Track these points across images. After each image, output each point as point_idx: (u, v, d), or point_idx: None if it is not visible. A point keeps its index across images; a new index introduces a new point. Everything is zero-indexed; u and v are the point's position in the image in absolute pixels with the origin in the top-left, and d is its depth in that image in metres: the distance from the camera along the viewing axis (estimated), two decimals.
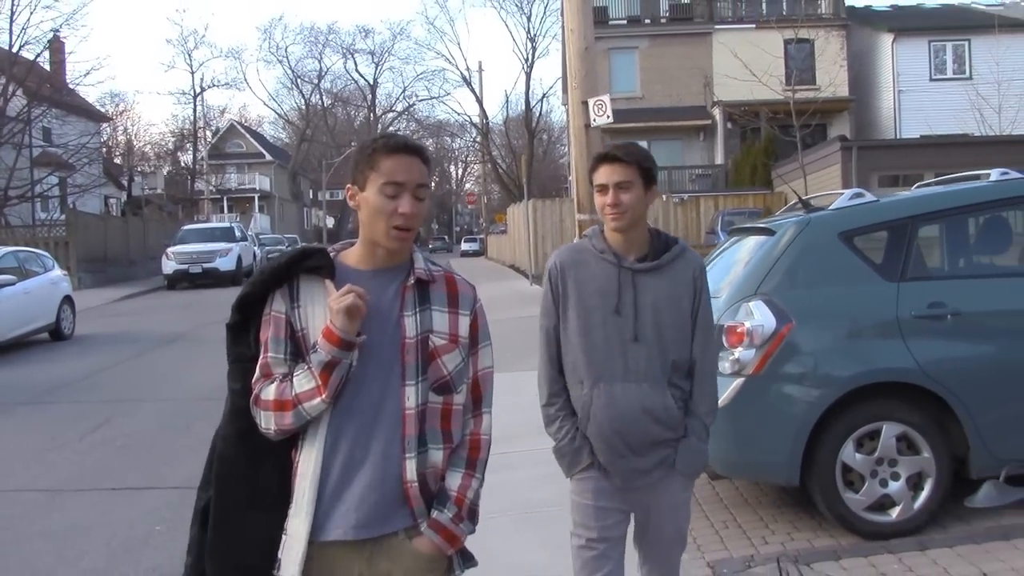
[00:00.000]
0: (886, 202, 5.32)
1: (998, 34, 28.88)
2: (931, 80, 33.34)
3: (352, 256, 2.45)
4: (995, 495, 4.46)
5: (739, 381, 4.85)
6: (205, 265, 27.89)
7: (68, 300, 16.39)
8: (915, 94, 32.98)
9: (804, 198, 5.50)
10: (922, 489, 4.88)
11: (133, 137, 53.22)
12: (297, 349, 2.37)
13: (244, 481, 2.40)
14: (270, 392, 2.34)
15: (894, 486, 4.87)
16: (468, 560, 2.50)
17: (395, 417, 2.34)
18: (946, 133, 28.20)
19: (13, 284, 14.42)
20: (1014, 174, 5.25)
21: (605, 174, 3.09)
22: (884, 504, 4.89)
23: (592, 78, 12.18)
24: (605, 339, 3.08)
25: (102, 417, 9.45)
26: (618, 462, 3.10)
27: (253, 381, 2.39)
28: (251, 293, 2.41)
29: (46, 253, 17.31)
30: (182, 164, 56.82)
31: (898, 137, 31.67)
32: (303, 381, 2.31)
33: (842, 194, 5.31)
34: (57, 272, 16.52)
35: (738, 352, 4.87)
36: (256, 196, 63.77)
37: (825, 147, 24.45)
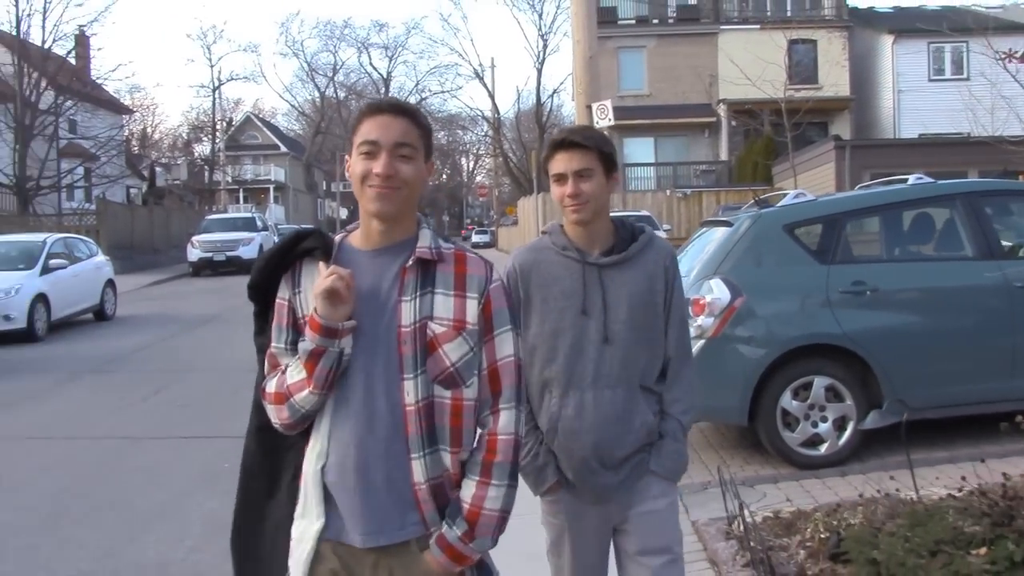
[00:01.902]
0: (822, 201, 6.60)
1: (991, 36, 29.92)
2: (930, 81, 34.31)
3: (357, 236, 2.28)
4: (878, 419, 5.70)
5: (701, 343, 6.10)
6: (228, 253, 29.07)
7: (111, 283, 17.75)
8: (914, 94, 33.97)
9: (759, 197, 6.74)
10: (845, 430, 6.14)
11: (151, 128, 54.82)
12: (300, 337, 2.20)
13: (263, 476, 2.33)
14: (273, 384, 2.22)
15: (823, 427, 6.13)
16: (484, 571, 2.29)
17: (396, 414, 2.14)
18: (941, 133, 29.27)
19: (65, 268, 15.78)
20: (926, 179, 6.50)
21: (562, 162, 2.81)
22: (815, 441, 6.15)
23: (596, 84, 13.45)
24: (573, 343, 2.81)
25: (159, 384, 10.77)
26: (588, 478, 2.84)
27: (265, 372, 2.29)
28: (255, 281, 2.29)
29: (90, 239, 18.67)
30: (196, 155, 58.22)
31: (896, 136, 32.75)
32: (294, 372, 2.17)
33: (788, 194, 6.56)
34: (100, 257, 17.89)
35: (700, 320, 6.12)
36: (271, 187, 65.16)
37: (820, 146, 25.64)
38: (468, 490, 2.18)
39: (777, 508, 5.21)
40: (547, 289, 2.86)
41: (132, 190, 46.79)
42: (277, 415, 2.20)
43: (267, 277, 2.26)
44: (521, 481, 2.46)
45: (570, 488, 2.89)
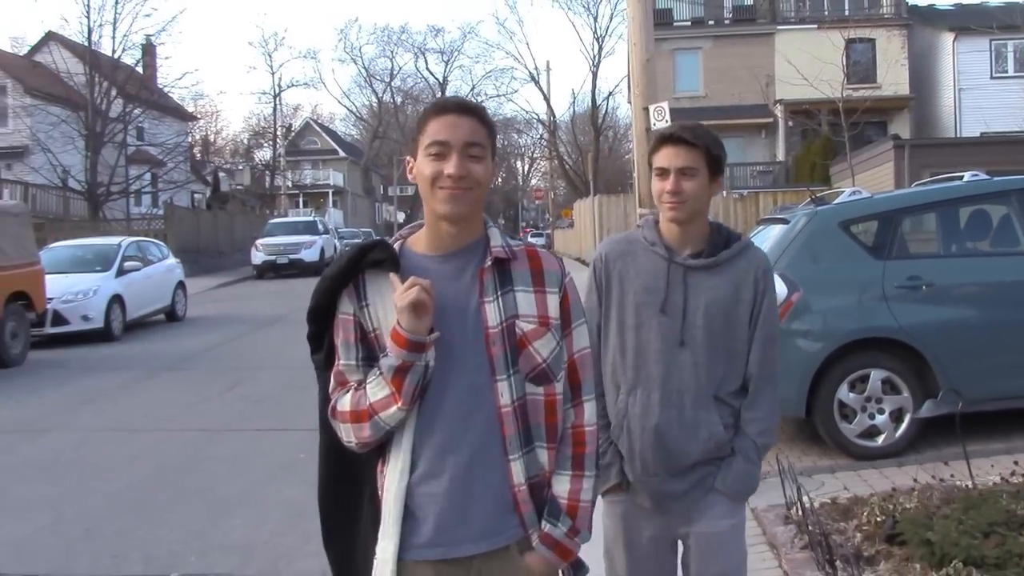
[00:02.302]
0: (877, 198, 6.76)
1: None
2: (992, 78, 33.80)
3: (420, 241, 2.22)
4: (933, 408, 5.85)
5: None
6: (291, 256, 29.81)
7: (181, 285, 18.36)
8: (975, 92, 33.48)
9: (816, 195, 6.90)
10: (902, 422, 6.29)
11: (213, 135, 56.06)
12: (371, 353, 2.15)
13: (343, 500, 2.27)
14: (346, 403, 2.14)
15: (880, 419, 6.29)
16: (579, 569, 2.29)
17: (491, 417, 2.11)
18: (1004, 131, 28.82)
19: (139, 270, 16.40)
20: (982, 176, 6.63)
21: (667, 157, 2.73)
22: (872, 433, 6.32)
23: (653, 87, 13.62)
24: (647, 341, 2.75)
25: (233, 380, 11.20)
26: (648, 481, 2.76)
27: (330, 391, 2.20)
28: (319, 302, 2.20)
29: (161, 243, 19.31)
30: (256, 160, 59.35)
31: (958, 135, 32.33)
32: (376, 389, 2.09)
33: (844, 191, 6.73)
34: (171, 260, 18.51)
35: None
36: (330, 191, 66.17)
37: (879, 145, 25.46)
38: (563, 485, 2.19)
39: (834, 495, 5.39)
40: (629, 282, 2.79)
41: (196, 195, 47.89)
42: (355, 434, 2.13)
43: (332, 297, 2.17)
44: None
45: (630, 491, 2.81)
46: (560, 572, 2.23)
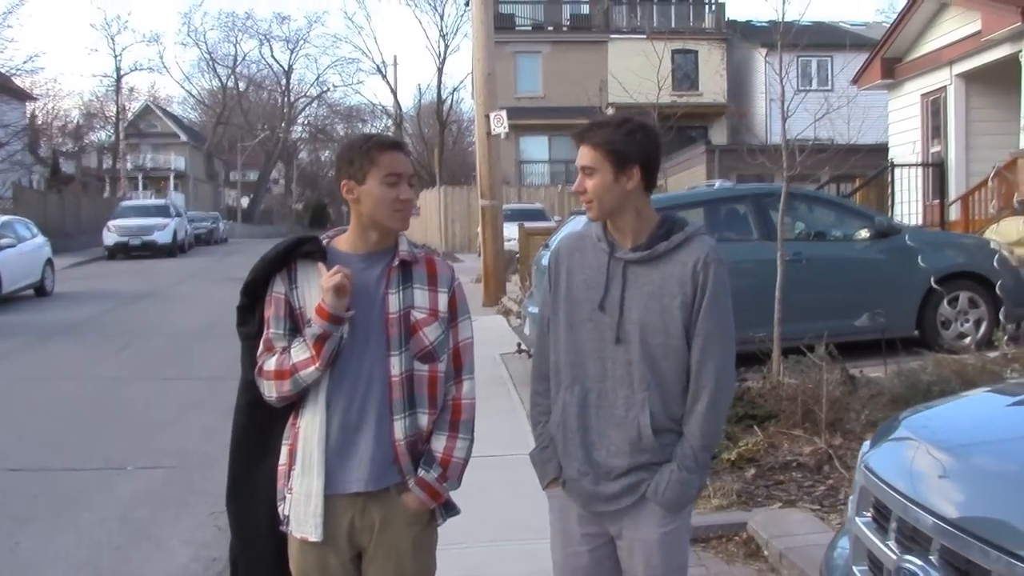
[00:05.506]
0: (655, 197, 9.07)
1: (849, 52, 33.42)
2: (798, 91, 37.61)
3: (344, 242, 2.74)
4: None
5: None
6: (144, 238, 30.47)
7: (50, 262, 19.32)
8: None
9: None
10: None
11: (49, 116, 54.88)
12: (296, 325, 2.67)
13: (256, 443, 2.76)
14: (271, 364, 2.64)
15: None
16: (450, 510, 2.80)
17: (384, 384, 2.63)
18: (804, 139, 32.43)
19: (14, 246, 17.40)
20: (728, 184, 9.08)
21: (579, 156, 2.73)
22: None
23: (494, 98, 15.87)
24: (586, 338, 2.73)
25: (124, 343, 12.73)
26: (580, 480, 2.73)
27: (258, 355, 2.69)
28: (256, 278, 2.71)
29: (30, 221, 20.18)
30: (85, 142, 58.25)
31: (767, 142, 36.04)
32: (299, 352, 2.60)
33: None
34: (40, 238, 19.42)
35: None
36: (172, 175, 65.62)
37: (693, 149, 28.69)
38: (440, 442, 2.71)
39: None
40: (572, 277, 2.79)
41: (34, 176, 47.14)
42: (277, 389, 2.63)
43: (267, 275, 2.69)
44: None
45: (565, 488, 2.80)
46: (434, 511, 2.75)
